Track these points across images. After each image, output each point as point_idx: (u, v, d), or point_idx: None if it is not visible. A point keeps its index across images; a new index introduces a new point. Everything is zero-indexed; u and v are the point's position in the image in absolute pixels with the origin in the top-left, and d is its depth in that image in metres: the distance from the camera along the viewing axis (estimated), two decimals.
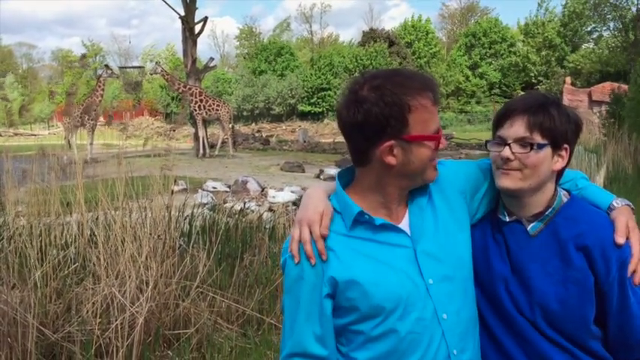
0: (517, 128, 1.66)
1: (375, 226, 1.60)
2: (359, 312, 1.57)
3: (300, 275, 1.59)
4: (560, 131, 1.68)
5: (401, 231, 1.62)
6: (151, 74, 24.49)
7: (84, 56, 65.87)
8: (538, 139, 1.65)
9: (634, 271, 1.61)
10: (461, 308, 1.63)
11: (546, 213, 1.72)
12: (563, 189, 1.80)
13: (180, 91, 23.95)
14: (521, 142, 1.66)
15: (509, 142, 1.66)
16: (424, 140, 1.56)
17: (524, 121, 1.66)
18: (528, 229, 1.73)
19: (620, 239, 1.61)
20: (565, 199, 1.75)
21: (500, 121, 1.72)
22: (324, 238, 1.58)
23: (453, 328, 1.60)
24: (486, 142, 1.77)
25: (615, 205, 1.72)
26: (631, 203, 1.75)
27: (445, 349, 1.58)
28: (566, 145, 1.70)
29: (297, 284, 1.60)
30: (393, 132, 1.53)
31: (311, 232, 1.59)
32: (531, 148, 1.65)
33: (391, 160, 1.55)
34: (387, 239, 1.61)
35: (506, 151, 1.66)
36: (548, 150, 1.67)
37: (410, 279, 1.58)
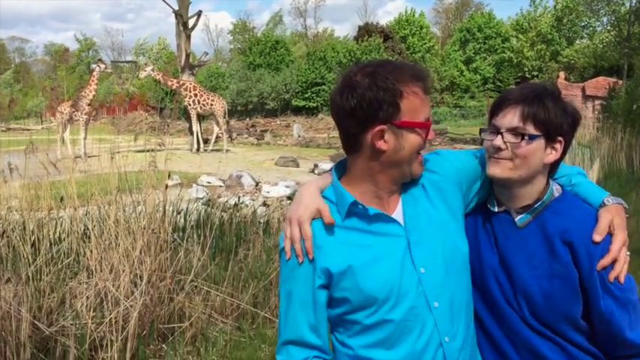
0: (511, 118, 1.66)
1: (369, 217, 1.62)
2: (352, 302, 1.60)
3: (293, 268, 1.63)
4: (555, 124, 1.66)
5: (394, 221, 1.64)
6: (144, 77, 24.13)
7: (66, 50, 65.60)
8: (531, 129, 1.65)
9: (609, 269, 1.60)
10: (453, 297, 1.64)
11: (535, 206, 1.72)
12: (558, 184, 1.79)
13: (174, 87, 23.80)
14: (514, 131, 1.66)
15: (502, 131, 1.67)
16: (415, 127, 1.58)
17: (518, 110, 1.66)
18: (516, 220, 1.74)
19: (597, 237, 1.61)
20: (557, 194, 1.74)
21: (495, 109, 1.72)
22: (329, 227, 1.61)
23: (444, 316, 1.62)
24: (481, 130, 1.77)
25: (606, 202, 1.70)
26: (624, 202, 1.73)
27: (437, 336, 1.60)
28: (560, 138, 1.69)
29: (290, 276, 1.64)
30: (384, 116, 1.55)
31: (301, 230, 1.62)
32: (522, 138, 1.65)
33: (382, 145, 1.57)
34: (380, 229, 1.63)
35: (497, 140, 1.66)
36: (540, 142, 1.66)
37: (402, 269, 1.60)
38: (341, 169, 1.74)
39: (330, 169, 1.81)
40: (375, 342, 1.61)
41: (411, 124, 1.57)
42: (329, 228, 1.62)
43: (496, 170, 1.68)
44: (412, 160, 1.62)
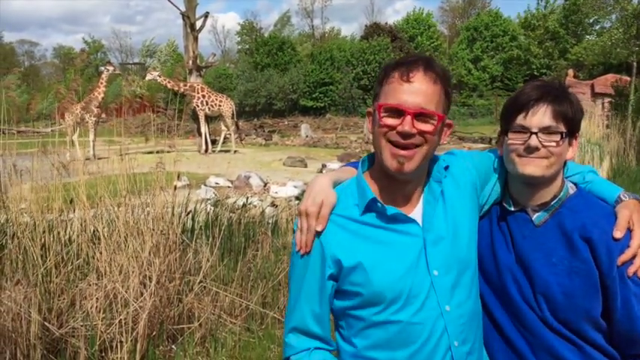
0: (541, 117, 1.65)
1: (387, 216, 1.61)
2: (361, 297, 1.60)
3: (303, 258, 1.64)
4: (576, 120, 1.68)
5: (412, 221, 1.63)
6: (149, 80, 24.00)
7: (82, 51, 65.59)
8: (562, 127, 1.65)
9: (629, 264, 1.59)
10: (464, 301, 1.63)
11: (552, 203, 1.71)
12: (571, 182, 1.79)
13: (182, 90, 23.68)
14: (547, 130, 1.64)
15: (535, 131, 1.65)
16: (378, 109, 1.58)
17: (548, 109, 1.65)
18: (533, 218, 1.73)
19: (618, 233, 1.60)
20: (572, 191, 1.74)
21: (518, 109, 1.69)
22: (321, 229, 1.61)
23: (455, 320, 1.60)
24: (506, 131, 1.73)
25: (622, 198, 1.70)
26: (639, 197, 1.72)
27: (446, 340, 1.59)
28: (577, 134, 1.71)
29: (300, 266, 1.66)
30: (375, 98, 1.63)
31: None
32: (561, 137, 1.64)
33: (368, 127, 1.65)
34: (397, 228, 1.62)
35: (533, 140, 1.64)
36: (566, 139, 1.67)
37: (415, 270, 1.59)
38: (368, 162, 1.74)
39: (353, 164, 1.82)
40: (380, 343, 1.60)
41: (378, 106, 1.58)
42: (344, 222, 1.62)
43: (531, 169, 1.66)
44: (381, 146, 1.58)
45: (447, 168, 1.71)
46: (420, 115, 1.53)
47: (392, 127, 1.54)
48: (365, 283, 1.58)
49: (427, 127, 1.54)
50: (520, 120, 1.68)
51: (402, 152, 1.53)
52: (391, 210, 1.60)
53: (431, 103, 1.54)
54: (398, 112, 1.53)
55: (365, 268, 1.58)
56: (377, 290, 1.57)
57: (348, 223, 1.62)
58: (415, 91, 1.53)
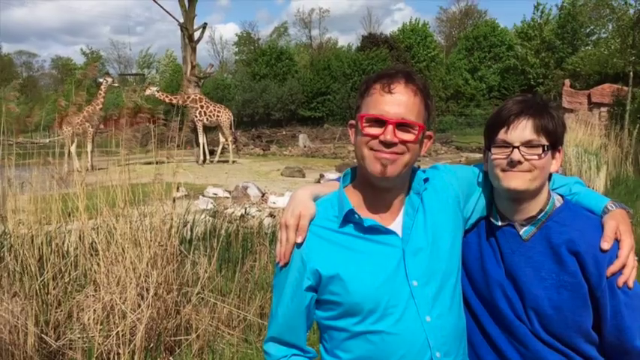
0: (522, 131, 1.66)
1: (364, 228, 1.64)
2: (340, 307, 1.62)
3: (283, 269, 1.68)
4: (558, 133, 1.69)
5: (391, 232, 1.65)
6: (147, 95, 23.93)
7: (93, 64, 65.58)
8: (543, 141, 1.66)
9: (618, 274, 1.59)
10: (446, 312, 1.64)
11: (539, 217, 1.72)
12: (558, 194, 1.80)
13: (180, 103, 23.58)
14: (528, 144, 1.66)
15: (517, 145, 1.66)
16: (360, 119, 1.62)
17: (529, 123, 1.66)
18: (521, 233, 1.74)
19: (605, 245, 1.61)
20: (558, 204, 1.75)
21: (499, 124, 1.71)
22: (300, 241, 1.64)
23: (436, 331, 1.60)
24: (489, 146, 1.74)
25: (609, 208, 1.70)
26: (626, 207, 1.73)
27: (428, 351, 1.59)
28: (560, 147, 1.72)
29: (280, 277, 1.70)
30: (356, 110, 1.66)
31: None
32: (543, 150, 1.65)
33: (351, 137, 1.68)
34: (375, 238, 1.64)
35: (515, 155, 1.65)
36: (549, 152, 1.68)
37: (393, 280, 1.60)
38: (350, 175, 1.77)
39: (338, 178, 1.83)
40: (362, 354, 1.61)
41: (360, 117, 1.61)
42: (323, 232, 1.64)
43: (515, 182, 1.67)
44: (364, 155, 1.61)
45: (426, 180, 1.73)
46: (402, 125, 1.58)
47: (374, 137, 1.58)
48: (343, 293, 1.60)
49: (409, 136, 1.58)
50: (502, 135, 1.70)
51: (386, 155, 1.57)
52: (368, 222, 1.63)
53: (412, 114, 1.59)
54: (380, 122, 1.57)
55: (343, 277, 1.60)
56: (355, 300, 1.59)
57: (327, 233, 1.64)
58: (397, 101, 1.57)
